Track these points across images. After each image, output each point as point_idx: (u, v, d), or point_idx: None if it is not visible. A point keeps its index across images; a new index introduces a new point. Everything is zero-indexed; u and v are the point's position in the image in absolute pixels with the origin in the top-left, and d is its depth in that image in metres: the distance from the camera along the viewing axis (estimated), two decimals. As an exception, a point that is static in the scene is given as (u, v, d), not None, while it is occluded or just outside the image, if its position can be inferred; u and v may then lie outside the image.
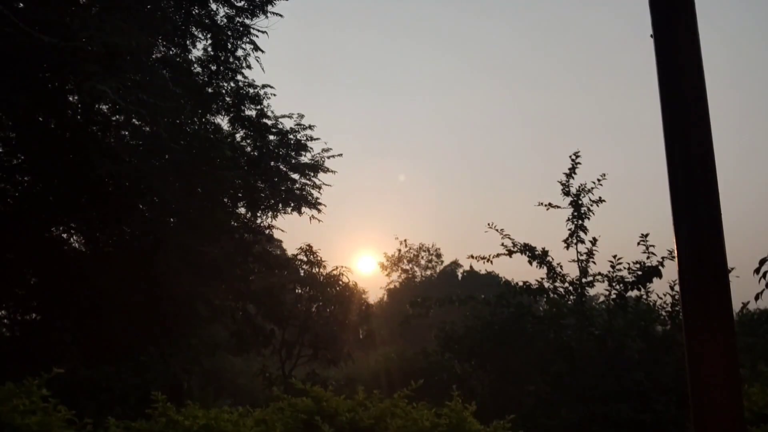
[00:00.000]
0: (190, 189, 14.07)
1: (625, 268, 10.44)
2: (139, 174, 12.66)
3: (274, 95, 15.29)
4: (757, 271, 4.87)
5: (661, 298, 10.63)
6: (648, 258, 10.32)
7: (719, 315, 2.67)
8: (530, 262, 10.97)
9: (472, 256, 11.57)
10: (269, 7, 14.58)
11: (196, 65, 14.71)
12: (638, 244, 10.38)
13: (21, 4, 10.78)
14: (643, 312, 10.55)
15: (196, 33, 14.40)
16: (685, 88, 2.83)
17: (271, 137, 15.51)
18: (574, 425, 8.69)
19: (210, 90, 14.75)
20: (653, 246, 10.30)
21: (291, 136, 15.58)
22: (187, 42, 14.29)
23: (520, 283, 10.99)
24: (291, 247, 29.24)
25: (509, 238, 11.10)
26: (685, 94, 2.83)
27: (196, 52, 14.64)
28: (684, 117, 2.81)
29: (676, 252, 2.78)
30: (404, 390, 6.37)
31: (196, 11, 14.10)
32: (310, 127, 15.78)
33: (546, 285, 10.87)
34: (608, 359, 9.69)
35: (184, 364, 13.87)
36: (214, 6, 14.27)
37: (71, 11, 10.56)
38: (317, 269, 17.41)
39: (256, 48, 14.78)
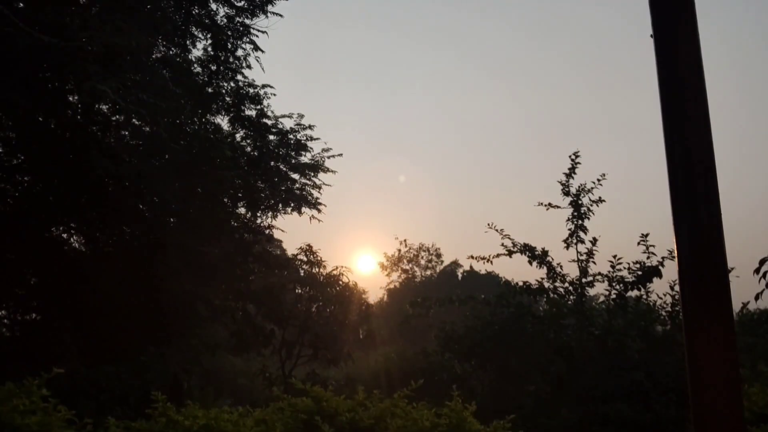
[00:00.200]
0: (190, 189, 14.07)
1: (625, 268, 10.46)
2: (139, 174, 12.66)
3: (274, 95, 15.33)
4: (757, 271, 4.87)
5: (661, 298, 10.65)
6: (648, 258, 10.33)
7: (719, 315, 2.67)
8: (530, 262, 10.98)
9: (472, 257, 11.59)
10: (269, 7, 14.60)
11: (196, 65, 14.72)
12: (638, 244, 10.39)
13: (21, 4, 10.78)
14: (643, 312, 10.55)
15: (196, 33, 14.41)
16: (685, 88, 2.83)
17: (271, 137, 15.51)
18: (574, 425, 8.69)
19: (210, 90, 14.76)
20: (653, 246, 10.32)
21: (291, 136, 15.59)
22: (187, 42, 14.30)
23: (520, 283, 10.99)
24: (291, 247, 29.28)
25: (509, 238, 11.12)
26: (685, 94, 2.83)
27: (196, 52, 14.67)
28: (684, 117, 2.81)
29: (676, 252, 2.78)
30: (404, 390, 6.37)
31: (196, 11, 14.11)
32: (310, 127, 15.81)
33: (546, 285, 10.88)
34: (608, 359, 9.69)
35: (184, 364, 13.88)
36: (214, 6, 14.30)
37: (71, 11, 10.56)
38: (317, 269, 17.41)
39: (256, 48, 14.80)
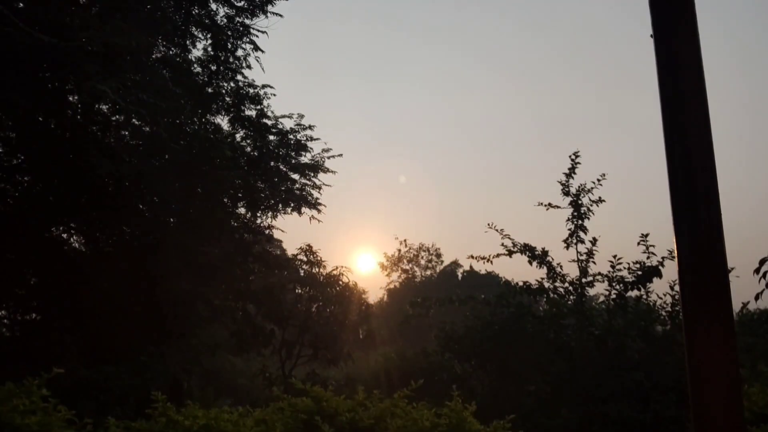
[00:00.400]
0: (190, 189, 14.07)
1: (625, 268, 10.45)
2: (139, 174, 12.66)
3: (274, 95, 15.32)
4: (757, 271, 4.87)
5: (661, 298, 10.64)
6: (648, 258, 10.32)
7: (719, 315, 2.67)
8: (530, 262, 10.97)
9: (472, 256, 11.57)
10: (269, 7, 14.60)
11: (196, 65, 14.72)
12: (638, 244, 10.38)
13: (21, 4, 10.78)
14: (643, 312, 10.54)
15: (196, 33, 14.40)
16: (685, 87, 2.83)
17: (271, 137, 15.50)
18: (574, 425, 8.69)
19: (210, 90, 14.75)
20: (653, 246, 10.31)
21: (291, 136, 15.58)
22: (187, 42, 14.30)
23: (520, 283, 10.99)
24: (291, 247, 29.30)
25: (509, 238, 11.11)
26: (685, 94, 2.83)
27: (196, 52, 14.67)
28: (684, 117, 2.81)
29: (676, 252, 2.78)
30: (404, 390, 6.37)
31: (196, 11, 14.10)
32: (310, 127, 15.80)
33: (546, 285, 10.87)
34: (608, 359, 9.69)
35: (184, 364, 13.89)
36: (214, 6, 14.29)
37: (71, 11, 10.56)
38: (317, 269, 17.42)
39: (256, 48, 14.79)
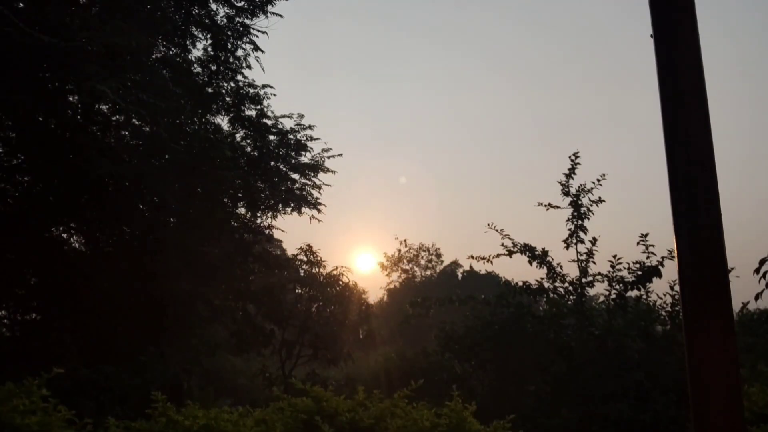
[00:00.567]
0: (190, 189, 14.07)
1: (625, 268, 10.44)
2: (139, 174, 12.66)
3: (274, 95, 15.32)
4: (757, 271, 4.87)
5: (661, 298, 10.64)
6: (648, 258, 10.32)
7: (719, 315, 2.67)
8: (530, 263, 10.97)
9: (472, 257, 11.57)
10: (269, 7, 14.60)
11: (196, 65, 14.72)
12: (638, 244, 10.38)
13: (21, 4, 10.78)
14: (643, 312, 10.54)
15: (196, 33, 14.41)
16: (685, 87, 2.83)
17: (271, 137, 15.51)
18: (574, 425, 8.69)
19: (210, 90, 14.75)
20: (653, 246, 10.31)
21: (291, 136, 15.59)
22: (187, 42, 14.30)
23: (520, 283, 10.98)
24: (291, 247, 29.29)
25: (509, 238, 11.10)
26: (685, 94, 2.83)
27: (196, 52, 14.67)
28: (684, 117, 2.81)
29: (676, 252, 2.78)
30: (404, 390, 6.37)
31: (196, 11, 14.10)
32: (310, 127, 15.80)
33: (546, 285, 10.87)
34: (608, 359, 9.69)
35: (184, 364, 13.88)
36: (214, 6, 14.29)
37: (71, 11, 10.56)
38: (317, 269, 17.42)
39: (256, 48, 14.80)
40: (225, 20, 14.52)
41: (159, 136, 11.94)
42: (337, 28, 72.29)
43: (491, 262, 11.34)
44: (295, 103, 74.24)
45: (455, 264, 48.02)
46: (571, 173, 11.11)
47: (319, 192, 16.04)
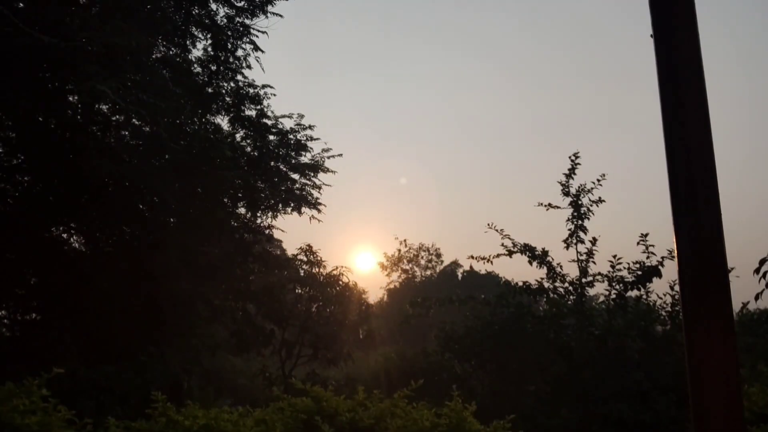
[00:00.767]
0: (190, 189, 14.06)
1: (625, 268, 10.45)
2: (139, 174, 12.65)
3: (274, 95, 15.31)
4: (757, 271, 4.87)
5: (661, 298, 10.64)
6: (648, 258, 10.32)
7: (719, 315, 2.67)
8: (530, 263, 10.97)
9: (472, 257, 11.57)
10: (269, 7, 14.59)
11: (196, 65, 14.71)
12: (638, 243, 10.39)
13: (21, 4, 10.78)
14: (643, 312, 10.54)
15: (196, 33, 14.40)
16: (685, 87, 2.83)
17: (271, 137, 15.50)
18: (574, 425, 8.70)
19: (210, 90, 14.75)
20: (653, 246, 10.31)
21: (291, 136, 15.58)
22: (187, 42, 14.29)
23: (520, 283, 10.99)
24: (291, 247, 29.30)
25: (509, 238, 11.11)
26: (685, 94, 2.83)
27: (196, 52, 14.66)
28: (684, 117, 2.81)
29: (676, 252, 2.78)
30: (404, 390, 6.37)
31: (196, 11, 14.10)
32: (310, 127, 15.79)
33: (546, 285, 10.87)
34: (608, 359, 9.69)
35: (184, 364, 13.88)
36: (214, 6, 14.29)
37: (71, 11, 10.56)
38: (317, 269, 17.42)
39: (256, 48, 14.79)
40: (225, 20, 14.52)
41: (159, 136, 11.93)
42: (337, 28, 72.33)
43: (491, 262, 11.35)
44: (295, 103, 74.30)
45: (455, 264, 48.06)
46: (571, 173, 11.12)
47: (319, 192, 16.05)
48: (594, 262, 10.72)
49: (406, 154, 72.94)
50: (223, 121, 15.21)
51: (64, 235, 14.66)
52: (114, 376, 10.27)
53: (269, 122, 15.38)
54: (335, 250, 59.76)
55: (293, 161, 15.69)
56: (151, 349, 11.84)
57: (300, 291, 17.68)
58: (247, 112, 15.19)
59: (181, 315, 14.25)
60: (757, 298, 5.12)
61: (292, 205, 15.80)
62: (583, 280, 10.71)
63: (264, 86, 15.19)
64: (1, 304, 13.74)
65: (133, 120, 12.76)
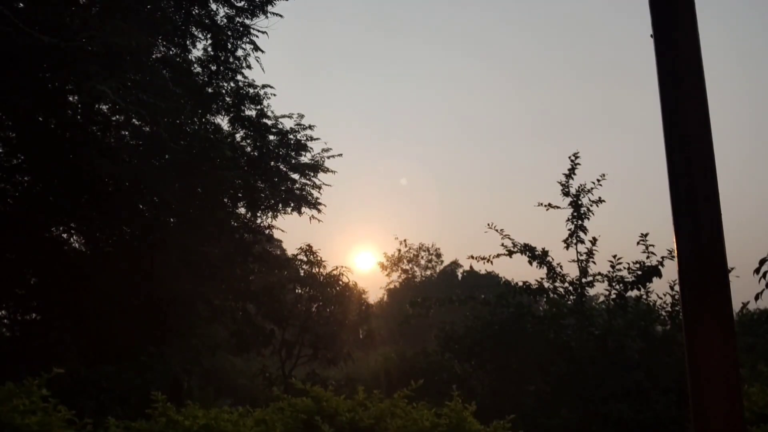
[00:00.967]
0: (190, 189, 14.07)
1: (624, 268, 10.45)
2: (139, 174, 12.66)
3: (274, 95, 15.32)
4: (757, 271, 4.88)
5: (661, 298, 10.64)
6: (648, 258, 10.32)
7: (719, 315, 2.67)
8: (530, 263, 10.97)
9: (472, 257, 11.58)
10: (269, 7, 14.60)
11: (196, 65, 14.72)
12: (638, 243, 10.39)
13: (21, 4, 10.78)
14: (643, 312, 10.54)
15: (196, 33, 14.41)
16: (685, 87, 2.83)
17: (271, 137, 15.51)
18: (574, 425, 8.69)
19: (210, 90, 14.75)
20: (653, 246, 10.32)
21: (291, 136, 15.59)
22: (187, 42, 14.30)
23: (520, 283, 10.99)
24: (291, 247, 29.30)
25: (509, 238, 11.11)
26: (685, 94, 2.83)
27: (196, 52, 14.67)
28: (684, 116, 2.81)
29: (676, 252, 2.78)
30: (404, 390, 6.37)
31: (196, 11, 14.11)
32: (310, 127, 15.80)
33: (546, 285, 10.87)
34: (608, 359, 9.69)
35: (184, 364, 13.88)
36: (214, 6, 14.29)
37: (71, 11, 10.56)
38: (317, 269, 17.42)
39: (256, 48, 14.80)
40: (225, 20, 14.52)
41: (159, 136, 11.94)
42: (337, 28, 72.33)
43: (491, 262, 11.36)
44: (295, 103, 74.30)
45: (455, 264, 48.03)
46: (571, 173, 11.12)
47: (319, 192, 16.06)
48: (594, 262, 10.73)
49: (406, 153, 72.94)
50: (223, 121, 15.24)
51: (64, 235, 14.67)
52: (114, 376, 10.27)
53: (269, 122, 15.39)
54: (335, 250, 59.81)
55: (293, 161, 15.70)
56: (151, 349, 11.84)
57: (300, 291, 17.68)
58: (247, 112, 15.20)
59: (181, 315, 14.26)
60: (757, 298, 5.12)
61: (292, 205, 15.81)
62: (583, 280, 10.71)
63: (264, 86, 15.22)
64: (1, 304, 13.74)
65: (133, 120, 12.76)
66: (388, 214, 72.37)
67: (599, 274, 10.68)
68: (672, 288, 10.41)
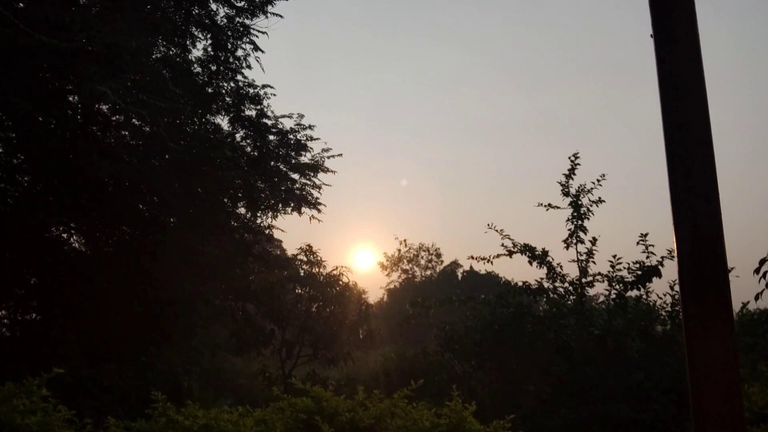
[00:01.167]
0: (190, 189, 14.06)
1: (624, 268, 10.46)
2: (139, 174, 12.66)
3: (274, 95, 15.32)
4: (757, 271, 4.88)
5: (661, 298, 10.66)
6: (648, 258, 10.33)
7: (719, 315, 2.67)
8: (530, 263, 10.98)
9: (472, 257, 11.59)
10: (269, 7, 14.60)
11: (196, 65, 14.72)
12: (638, 243, 10.40)
13: (21, 4, 10.77)
14: (643, 312, 10.55)
15: (196, 33, 14.41)
16: (685, 87, 2.83)
17: (271, 137, 15.51)
18: (574, 425, 8.69)
19: (210, 90, 14.75)
20: (653, 246, 10.32)
21: (291, 136, 15.59)
22: (187, 42, 14.30)
23: (520, 283, 11.00)
24: (291, 247, 29.30)
25: (509, 238, 11.12)
26: (685, 94, 2.83)
27: (196, 52, 14.66)
28: (684, 116, 2.82)
29: (676, 252, 2.78)
30: (404, 390, 6.37)
31: (196, 11, 14.11)
32: (310, 127, 15.81)
33: (546, 285, 10.89)
34: (608, 359, 9.69)
35: (184, 364, 13.88)
36: (214, 6, 14.29)
37: (71, 11, 10.55)
38: (317, 269, 17.42)
39: (256, 48, 14.80)
40: (225, 20, 14.52)
41: (159, 136, 11.94)
42: (338, 28, 72.32)
43: (491, 263, 11.37)
44: (295, 102, 74.32)
45: (455, 264, 47.99)
46: (571, 174, 11.14)
47: (319, 192, 16.07)
48: (594, 262, 10.75)
49: (406, 154, 72.84)
50: (223, 121, 15.24)
51: (64, 235, 14.65)
52: (115, 376, 10.27)
53: (269, 122, 15.40)
54: (335, 249, 59.79)
55: (293, 161, 15.70)
56: (152, 349, 11.84)
57: (300, 291, 17.68)
58: (247, 112, 15.20)
59: (182, 315, 14.25)
60: (757, 298, 5.13)
61: (292, 205, 15.81)
62: (583, 280, 10.72)
63: (264, 86, 15.22)
64: (1, 304, 13.73)
65: (133, 120, 12.76)
66: (388, 214, 72.30)
67: (599, 274, 10.70)
68: (672, 288, 10.43)
